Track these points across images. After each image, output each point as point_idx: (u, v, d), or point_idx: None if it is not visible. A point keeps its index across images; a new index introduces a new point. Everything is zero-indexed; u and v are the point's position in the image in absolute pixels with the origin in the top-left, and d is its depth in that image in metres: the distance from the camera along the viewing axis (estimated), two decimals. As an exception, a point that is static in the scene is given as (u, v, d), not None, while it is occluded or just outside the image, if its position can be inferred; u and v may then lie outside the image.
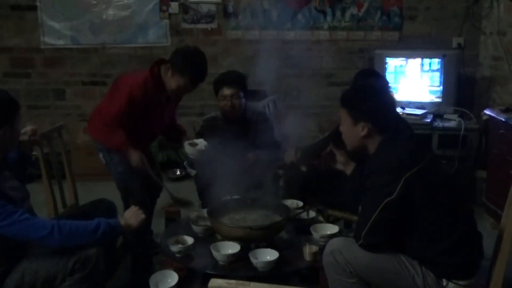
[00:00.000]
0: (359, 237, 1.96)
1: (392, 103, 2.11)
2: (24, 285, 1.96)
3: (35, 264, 1.97)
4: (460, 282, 1.92)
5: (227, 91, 3.03)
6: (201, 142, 2.88)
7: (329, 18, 4.59)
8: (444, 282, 1.92)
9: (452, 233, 1.91)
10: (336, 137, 2.90)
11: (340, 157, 2.39)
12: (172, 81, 2.69)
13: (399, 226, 1.92)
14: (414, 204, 1.88)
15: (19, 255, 2.01)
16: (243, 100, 3.09)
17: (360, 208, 2.37)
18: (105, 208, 2.40)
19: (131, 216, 2.18)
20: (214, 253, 2.17)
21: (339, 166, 2.40)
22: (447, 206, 1.94)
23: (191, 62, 2.67)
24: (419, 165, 1.89)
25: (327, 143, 3.10)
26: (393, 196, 1.86)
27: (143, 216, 2.19)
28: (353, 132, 2.06)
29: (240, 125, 3.11)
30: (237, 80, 3.08)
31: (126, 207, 2.75)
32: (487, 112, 3.65)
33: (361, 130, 2.03)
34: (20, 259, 1.99)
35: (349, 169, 2.37)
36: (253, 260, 2.12)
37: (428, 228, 1.92)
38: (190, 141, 2.90)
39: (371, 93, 2.09)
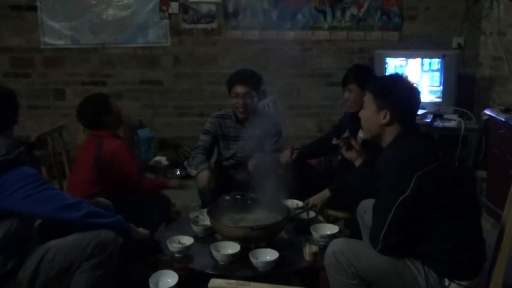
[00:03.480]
0: (377, 241, 1.91)
1: (417, 98, 2.09)
2: (39, 275, 1.96)
3: (51, 253, 1.98)
4: (462, 283, 1.91)
5: (240, 89, 3.01)
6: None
7: (329, 18, 4.59)
8: (446, 282, 1.92)
9: (459, 234, 1.90)
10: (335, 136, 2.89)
11: (355, 144, 2.40)
12: None
13: (413, 224, 1.91)
14: (425, 203, 1.87)
15: (29, 248, 2.01)
16: (255, 99, 3.08)
17: (358, 214, 2.38)
18: (103, 208, 2.40)
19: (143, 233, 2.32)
20: (214, 253, 2.17)
21: (351, 155, 2.41)
22: (457, 207, 1.92)
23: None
24: (432, 164, 1.88)
25: (324, 143, 3.12)
26: (407, 193, 1.84)
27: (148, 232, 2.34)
28: (374, 118, 2.05)
29: (249, 126, 3.11)
30: (250, 79, 3.06)
31: None
32: (487, 112, 3.65)
33: (383, 117, 2.02)
34: (30, 251, 1.99)
35: (358, 161, 2.37)
36: (253, 260, 2.12)
37: (436, 228, 1.90)
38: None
39: (400, 83, 2.08)
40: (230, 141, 3.14)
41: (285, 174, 3.04)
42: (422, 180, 1.85)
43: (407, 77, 2.14)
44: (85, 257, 1.97)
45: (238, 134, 3.11)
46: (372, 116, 2.07)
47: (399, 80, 2.12)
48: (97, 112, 2.73)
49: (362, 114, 2.14)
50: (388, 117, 2.01)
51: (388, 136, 2.05)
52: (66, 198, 1.99)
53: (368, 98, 2.10)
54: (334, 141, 2.55)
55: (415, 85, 2.10)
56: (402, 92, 2.05)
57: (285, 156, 3.00)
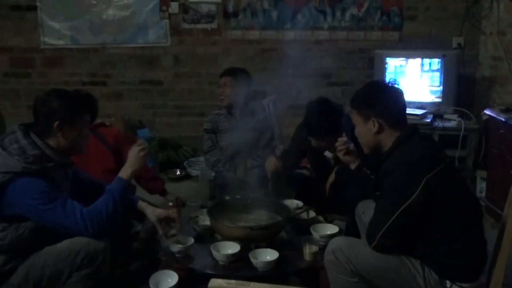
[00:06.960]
0: (373, 239, 1.92)
1: (398, 96, 2.08)
2: (29, 282, 1.96)
3: (41, 260, 1.97)
4: (464, 285, 1.91)
5: (223, 79, 3.38)
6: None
7: (329, 18, 4.59)
8: (448, 283, 1.91)
9: (462, 237, 1.90)
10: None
11: (353, 148, 2.40)
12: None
13: (415, 228, 1.90)
14: (433, 206, 1.86)
15: (28, 253, 2.00)
16: (234, 89, 3.30)
17: (356, 215, 2.38)
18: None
19: (134, 159, 2.15)
20: (214, 253, 2.17)
21: (348, 158, 2.41)
22: (461, 209, 1.92)
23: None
24: (440, 165, 1.88)
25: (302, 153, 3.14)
26: (413, 198, 1.83)
27: (143, 158, 2.18)
28: (366, 130, 2.06)
29: (240, 118, 3.35)
30: (234, 71, 3.40)
31: None
32: (487, 112, 3.65)
33: (373, 126, 2.02)
34: (27, 257, 1.99)
35: (355, 164, 2.38)
36: (253, 260, 2.13)
37: (439, 231, 1.90)
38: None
39: (375, 89, 2.10)
40: (225, 134, 3.35)
41: (275, 181, 3.05)
42: (432, 183, 1.84)
43: (383, 80, 2.15)
44: (75, 268, 1.95)
45: (231, 126, 3.34)
46: (363, 129, 2.08)
47: (373, 86, 2.15)
48: None
49: (356, 132, 2.15)
50: (376, 124, 2.02)
51: (387, 142, 2.04)
52: (72, 222, 1.93)
53: (354, 115, 2.12)
54: (327, 154, 2.58)
55: (392, 84, 2.09)
56: (380, 95, 2.05)
57: (273, 165, 2.94)
